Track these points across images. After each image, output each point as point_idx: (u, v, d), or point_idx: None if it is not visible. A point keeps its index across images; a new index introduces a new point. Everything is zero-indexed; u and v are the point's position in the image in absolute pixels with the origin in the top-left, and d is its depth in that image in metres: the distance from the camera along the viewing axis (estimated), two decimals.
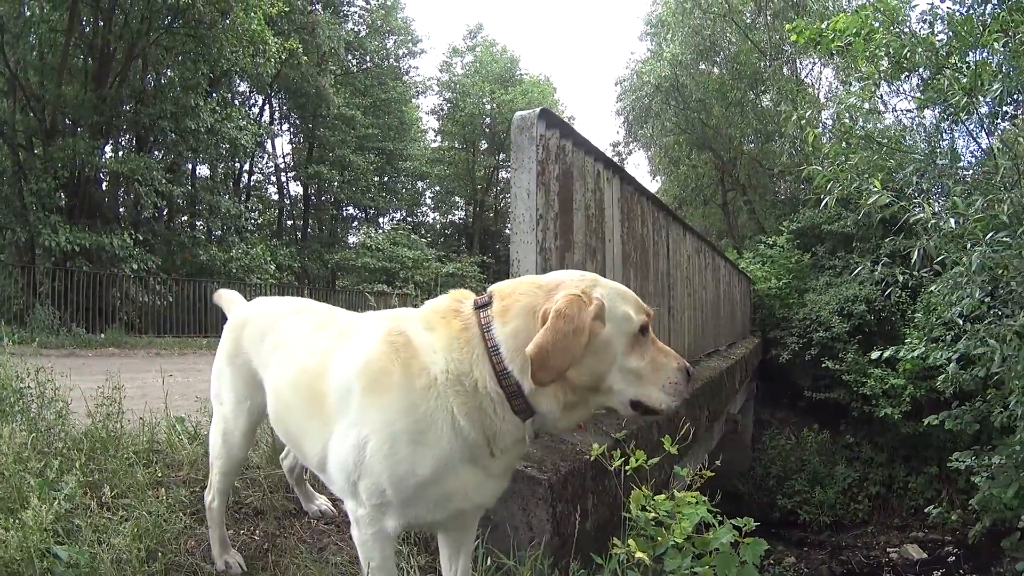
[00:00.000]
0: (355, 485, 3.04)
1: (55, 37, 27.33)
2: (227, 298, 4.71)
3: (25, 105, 26.32)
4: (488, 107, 57.49)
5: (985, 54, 10.65)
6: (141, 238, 28.91)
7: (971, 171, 12.89)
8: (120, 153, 30.94)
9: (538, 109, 6.10)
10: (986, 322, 10.75)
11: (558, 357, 2.74)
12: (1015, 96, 10.76)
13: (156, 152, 32.08)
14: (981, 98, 10.63)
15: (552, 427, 3.11)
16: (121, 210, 31.22)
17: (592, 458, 5.26)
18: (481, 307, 3.04)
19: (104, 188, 30.64)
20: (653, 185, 45.56)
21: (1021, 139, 11.39)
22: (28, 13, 26.41)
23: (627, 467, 4.88)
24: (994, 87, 10.05)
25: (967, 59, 10.89)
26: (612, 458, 4.97)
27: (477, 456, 2.96)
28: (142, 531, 4.12)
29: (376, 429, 2.95)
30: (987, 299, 11.07)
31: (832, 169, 11.63)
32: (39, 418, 5.52)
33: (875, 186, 10.51)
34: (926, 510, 17.29)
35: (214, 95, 33.69)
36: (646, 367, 2.94)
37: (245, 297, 4.75)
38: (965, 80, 10.38)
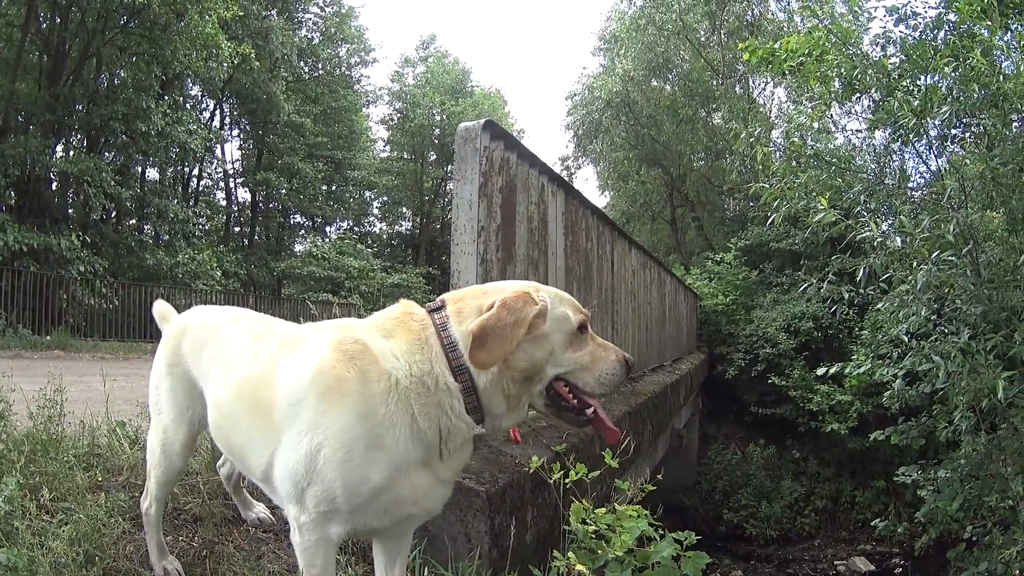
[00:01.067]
0: (303, 492, 3.02)
1: (11, 32, 27.14)
2: (160, 311, 4.66)
3: None
4: (438, 118, 57.68)
5: (936, 78, 10.77)
6: (89, 240, 28.46)
7: (919, 192, 13.05)
8: (71, 153, 30.70)
9: (483, 120, 6.11)
10: (931, 339, 10.88)
11: (496, 342, 2.97)
12: (963, 119, 10.89)
13: (107, 153, 31.97)
14: (930, 120, 10.77)
15: (498, 425, 3.21)
16: (70, 211, 30.88)
17: (531, 470, 5.32)
18: (434, 311, 3.21)
19: (54, 188, 30.42)
20: (602, 200, 45.84)
21: (968, 161, 11.51)
22: None
23: (567, 480, 4.98)
24: (943, 110, 10.18)
25: (918, 82, 11.02)
26: (552, 471, 5.07)
27: (429, 458, 3.05)
28: (81, 535, 4.15)
29: (331, 436, 2.94)
30: (933, 317, 11.27)
31: (780, 187, 11.70)
32: None
33: (822, 204, 10.61)
34: (873, 523, 17.42)
35: (166, 97, 33.48)
36: (583, 359, 3.22)
37: (191, 303, 4.77)
38: (916, 103, 10.48)
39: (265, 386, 3.26)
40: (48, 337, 22.46)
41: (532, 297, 3.12)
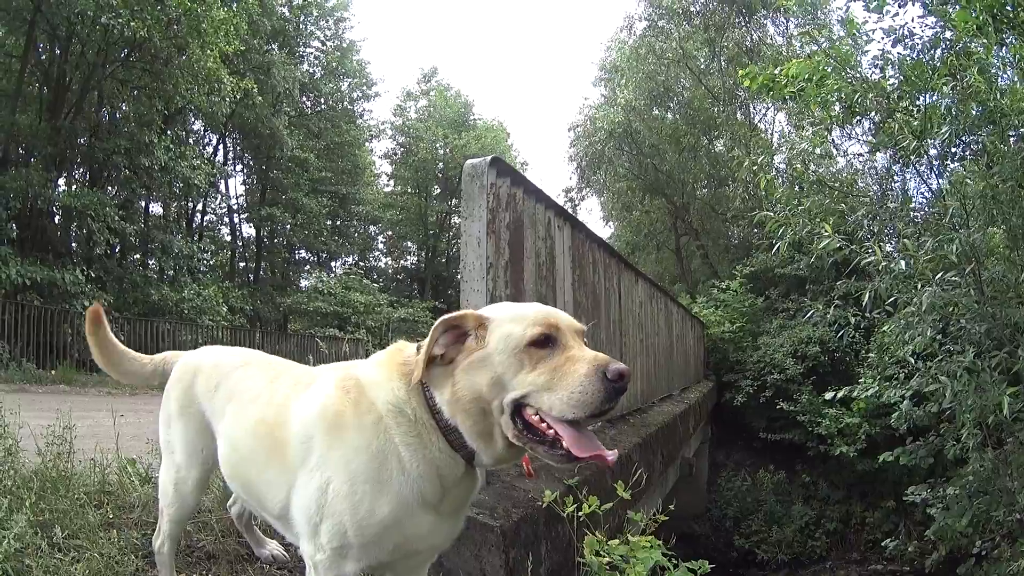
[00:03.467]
0: (316, 528, 3.03)
1: (10, 62, 27.29)
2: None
3: None
4: (441, 152, 57.41)
5: (935, 98, 10.81)
6: (93, 275, 28.57)
7: (921, 213, 13.08)
8: (74, 187, 30.71)
9: (489, 157, 6.07)
10: (938, 360, 10.91)
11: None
12: (962, 137, 10.92)
13: (110, 188, 31.88)
14: (931, 141, 10.82)
15: (483, 461, 3.07)
16: (74, 245, 30.77)
17: (544, 504, 5.27)
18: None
19: (57, 222, 30.33)
20: (606, 231, 45.74)
21: (968, 180, 11.55)
22: None
23: (580, 513, 4.93)
24: (943, 129, 10.23)
25: (917, 102, 11.07)
26: (565, 504, 5.01)
27: (425, 493, 2.98)
28: (93, 573, 4.11)
29: (337, 470, 2.98)
30: (938, 337, 11.25)
31: (784, 214, 11.74)
32: None
33: (826, 230, 10.64)
34: (883, 543, 17.41)
35: (168, 132, 33.44)
36: (539, 379, 2.83)
37: (197, 339, 4.73)
38: (916, 123, 10.53)
39: (279, 426, 3.31)
40: (53, 371, 22.37)
41: (457, 319, 2.99)
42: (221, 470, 3.91)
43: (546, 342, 2.87)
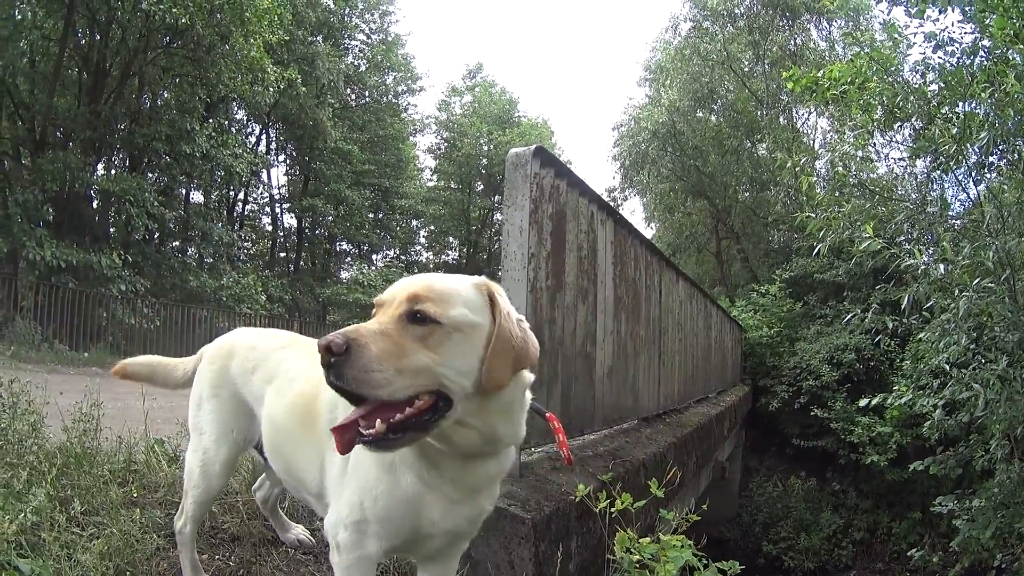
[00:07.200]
0: (339, 502, 3.08)
1: (48, 45, 27.52)
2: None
3: (12, 112, 26.47)
4: (485, 148, 57.31)
5: (974, 105, 10.76)
6: (131, 259, 28.79)
7: (959, 219, 13.02)
8: (112, 172, 31.05)
9: (533, 147, 6.02)
10: (971, 368, 10.82)
11: None
12: (1000, 145, 10.87)
13: (149, 174, 32.28)
14: (969, 147, 10.75)
15: None
16: (111, 230, 30.90)
17: (577, 499, 5.20)
18: None
19: (94, 206, 30.64)
20: (648, 232, 45.06)
21: (1006, 188, 11.50)
22: (19, 16, 26.30)
23: (613, 509, 4.86)
24: (981, 136, 10.17)
25: (956, 109, 11.02)
26: (598, 500, 4.95)
27: (419, 470, 2.89)
28: (112, 549, 4.09)
29: None
30: (972, 345, 11.15)
31: (825, 217, 11.73)
32: (10, 429, 5.30)
33: (867, 232, 10.60)
34: (909, 553, 17.30)
35: (210, 120, 33.73)
36: None
37: (235, 327, 4.69)
38: (955, 130, 10.49)
39: (314, 399, 3.34)
40: (86, 354, 22.54)
41: None
42: (265, 452, 3.92)
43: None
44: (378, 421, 2.45)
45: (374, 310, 2.82)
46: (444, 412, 2.58)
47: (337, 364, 2.39)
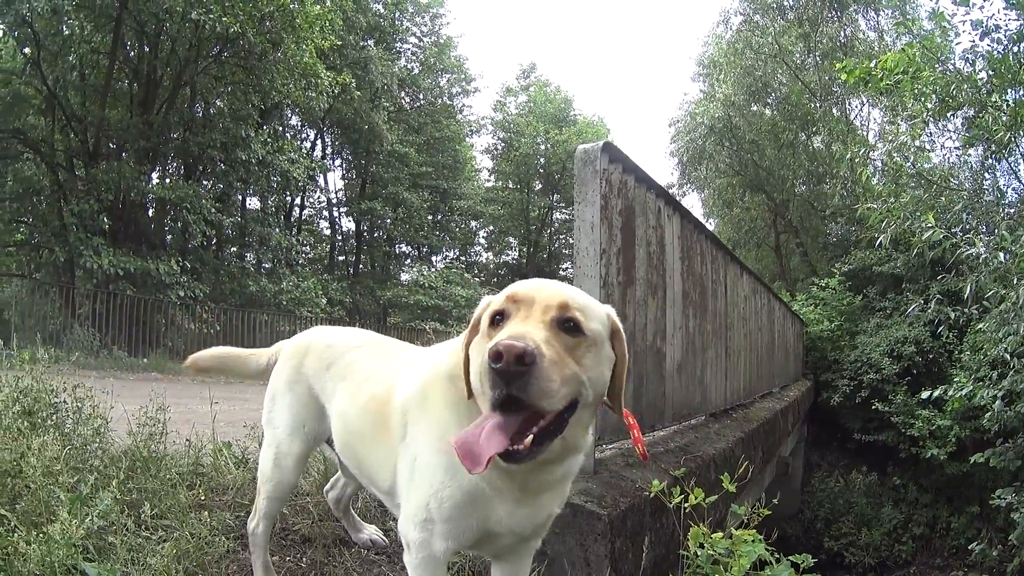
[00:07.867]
0: (409, 502, 3.10)
1: (97, 59, 27.97)
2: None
3: (65, 125, 26.88)
4: (542, 147, 57.44)
5: (1021, 92, 10.72)
6: (189, 266, 29.05)
7: (1015, 207, 12.95)
8: (167, 180, 31.45)
9: (601, 143, 6.00)
10: None
11: None
12: None
13: (205, 181, 32.58)
14: (1021, 134, 10.70)
15: None
16: (168, 237, 31.43)
17: (652, 494, 5.25)
18: None
19: (150, 214, 31.11)
20: (707, 227, 45.28)
21: None
22: (67, 32, 26.79)
23: (686, 504, 4.88)
24: None
25: (1006, 97, 10.98)
26: (672, 495, 4.97)
27: (486, 473, 2.56)
28: (182, 552, 4.15)
29: (420, 443, 3.06)
30: None
31: (885, 208, 11.72)
32: (75, 433, 5.33)
33: (929, 222, 10.58)
34: (970, 547, 17.20)
35: (265, 127, 34.07)
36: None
37: (296, 330, 4.73)
38: (1005, 117, 10.46)
39: (387, 402, 3.36)
40: (145, 360, 22.85)
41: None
42: (336, 448, 3.98)
43: (501, 319, 2.67)
44: (528, 436, 2.41)
45: (504, 302, 2.68)
46: (567, 418, 2.55)
47: (521, 376, 2.29)
